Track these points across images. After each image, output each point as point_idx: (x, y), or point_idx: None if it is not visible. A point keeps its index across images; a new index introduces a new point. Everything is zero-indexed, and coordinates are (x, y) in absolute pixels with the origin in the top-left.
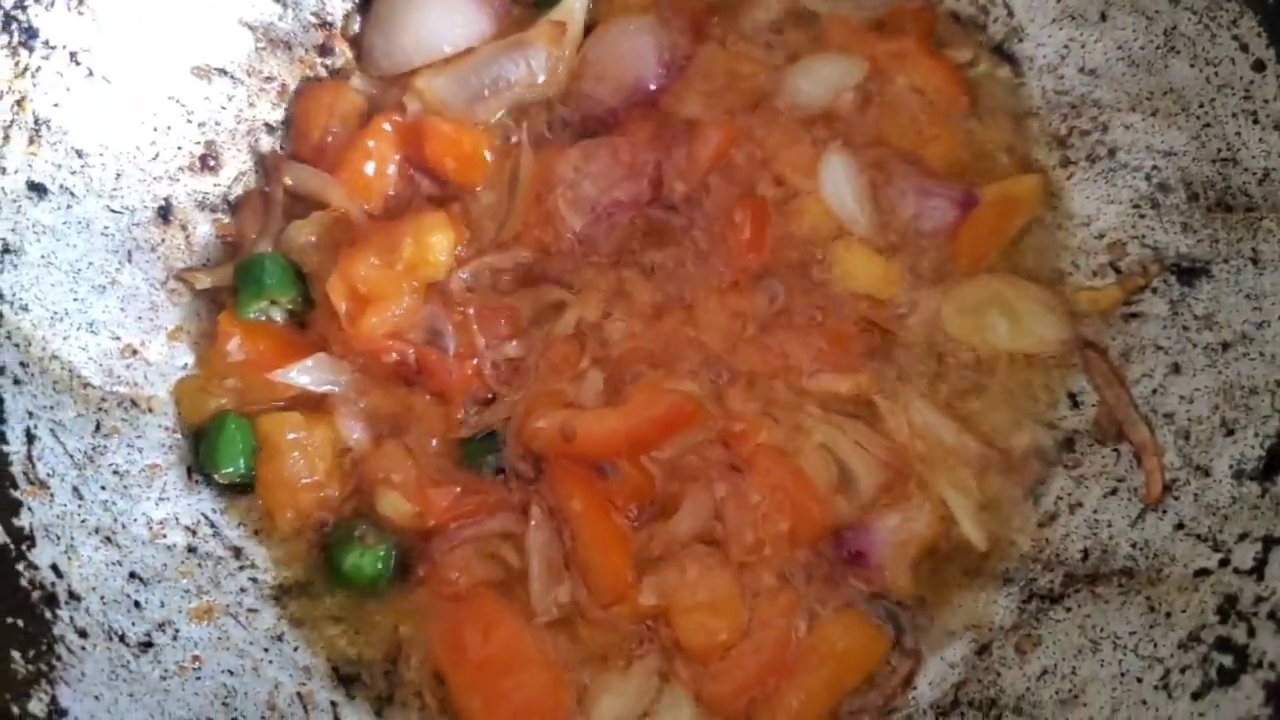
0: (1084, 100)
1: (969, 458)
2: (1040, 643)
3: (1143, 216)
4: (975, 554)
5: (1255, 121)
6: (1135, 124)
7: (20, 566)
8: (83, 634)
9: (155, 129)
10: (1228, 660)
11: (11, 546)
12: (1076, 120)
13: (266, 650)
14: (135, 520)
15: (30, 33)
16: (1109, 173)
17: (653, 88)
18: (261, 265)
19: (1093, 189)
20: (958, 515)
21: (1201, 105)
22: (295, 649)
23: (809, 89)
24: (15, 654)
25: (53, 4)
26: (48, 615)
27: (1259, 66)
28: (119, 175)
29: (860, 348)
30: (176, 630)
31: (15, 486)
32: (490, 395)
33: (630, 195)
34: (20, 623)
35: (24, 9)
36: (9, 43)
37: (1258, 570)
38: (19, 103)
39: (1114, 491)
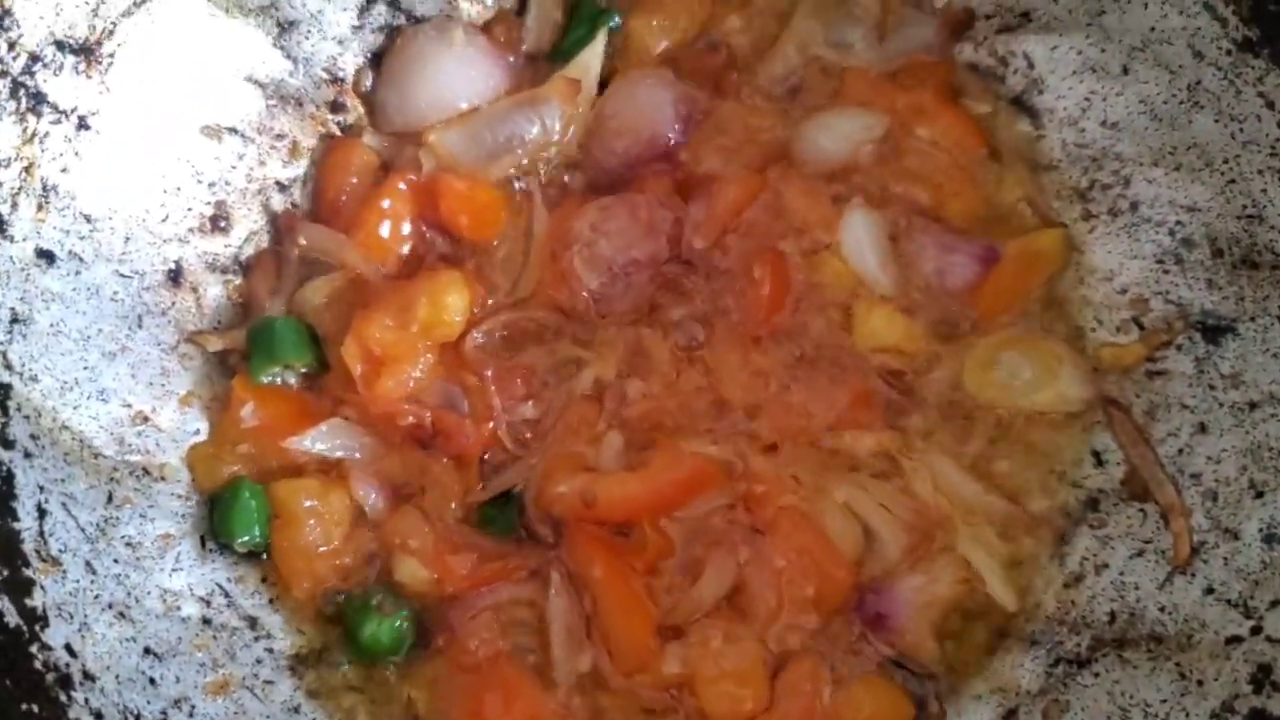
0: (1105, 154)
1: (993, 517)
2: (1068, 709)
3: (1166, 272)
4: (1000, 615)
5: None
6: (1158, 178)
7: (34, 649)
8: (98, 716)
9: (165, 190)
10: None
11: (24, 628)
12: (1098, 174)
13: None
14: (149, 593)
15: (38, 98)
16: (1131, 227)
17: (670, 142)
18: (273, 329)
19: (1115, 243)
20: (984, 575)
21: (1226, 161)
22: None
23: (827, 143)
24: None
25: (61, 69)
26: (63, 698)
27: None
28: (128, 239)
29: (882, 406)
30: (193, 707)
31: (28, 565)
32: (508, 458)
33: (648, 254)
34: (35, 708)
35: (31, 75)
36: (17, 109)
37: None
38: (27, 169)
39: (1140, 553)
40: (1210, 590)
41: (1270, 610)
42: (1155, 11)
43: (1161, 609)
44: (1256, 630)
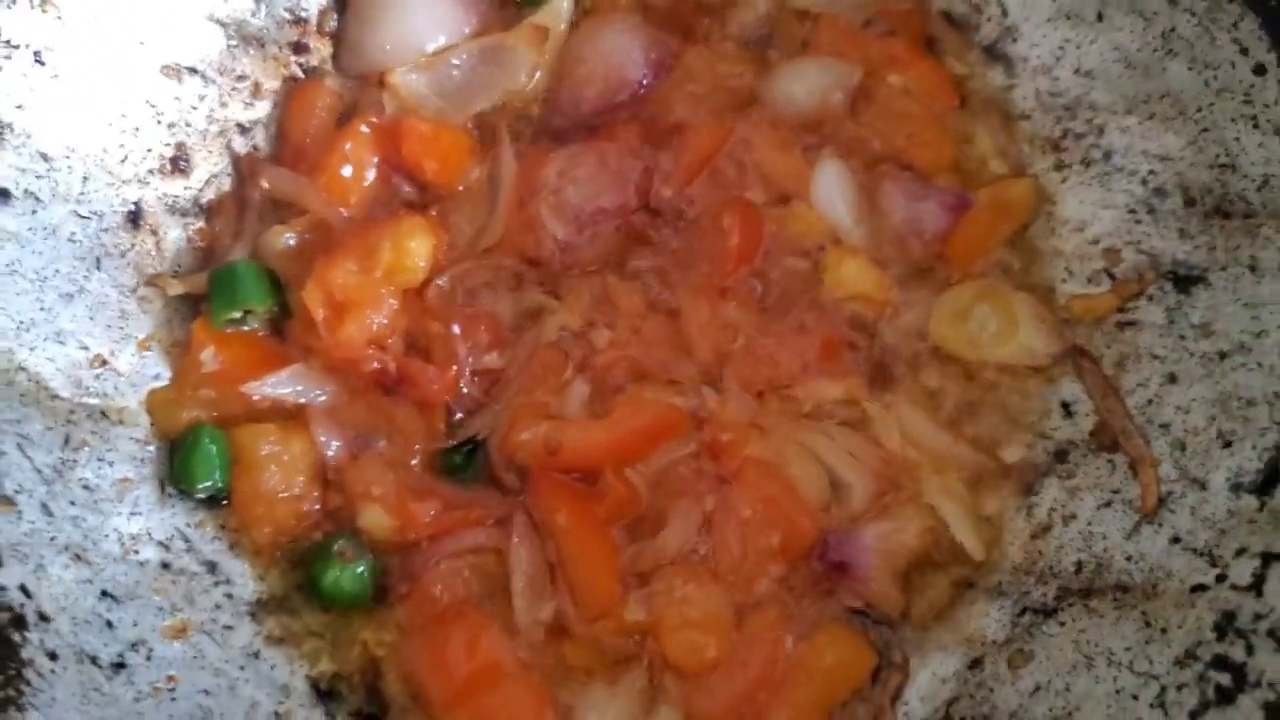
0: (1079, 102)
1: (961, 466)
2: (1033, 658)
3: (1139, 222)
4: (967, 565)
5: (1255, 126)
6: (1131, 127)
7: None
8: (53, 656)
9: (124, 130)
10: (1225, 679)
11: None
12: (1071, 123)
13: (243, 668)
14: (106, 536)
15: None
16: (1104, 177)
17: (639, 89)
18: (235, 273)
19: (1087, 193)
20: (952, 524)
21: (1200, 109)
22: (272, 667)
23: (798, 92)
24: None
25: (15, 2)
26: (16, 638)
27: (1260, 70)
28: (86, 179)
29: (851, 355)
30: (150, 650)
31: None
32: (473, 405)
33: (615, 203)
34: None
35: None
36: None
37: (1256, 587)
38: None
39: (1108, 503)
40: (1177, 540)
41: (1236, 559)
42: None
43: (1128, 558)
44: (1221, 578)
